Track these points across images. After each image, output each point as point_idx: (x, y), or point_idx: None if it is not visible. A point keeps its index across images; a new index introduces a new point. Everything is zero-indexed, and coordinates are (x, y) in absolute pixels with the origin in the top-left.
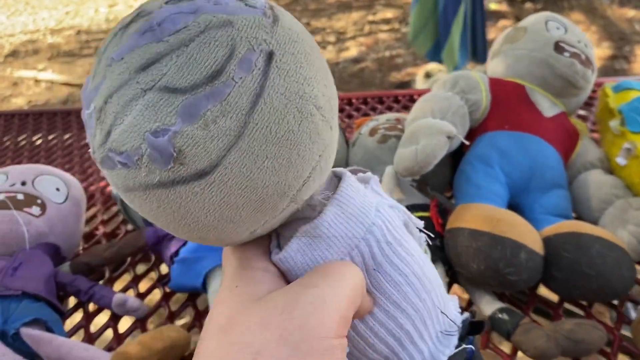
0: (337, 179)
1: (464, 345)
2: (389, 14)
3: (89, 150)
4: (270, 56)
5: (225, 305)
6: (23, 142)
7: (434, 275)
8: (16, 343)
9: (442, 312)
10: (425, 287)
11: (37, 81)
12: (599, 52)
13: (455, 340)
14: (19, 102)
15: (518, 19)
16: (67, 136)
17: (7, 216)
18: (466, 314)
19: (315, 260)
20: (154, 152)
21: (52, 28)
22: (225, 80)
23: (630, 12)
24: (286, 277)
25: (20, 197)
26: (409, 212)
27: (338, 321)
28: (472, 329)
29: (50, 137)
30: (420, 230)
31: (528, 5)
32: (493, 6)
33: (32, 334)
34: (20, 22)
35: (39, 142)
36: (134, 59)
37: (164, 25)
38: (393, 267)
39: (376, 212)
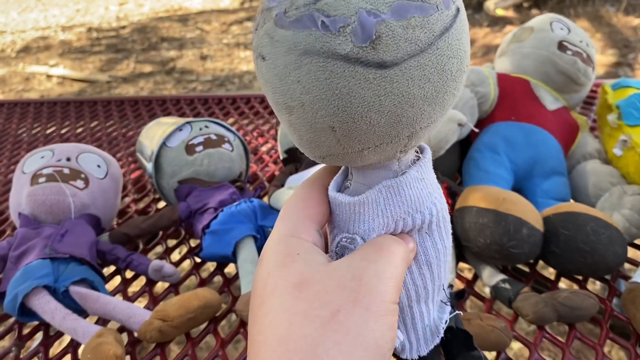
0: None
1: (456, 312)
2: None
3: (272, 10)
4: (458, 10)
5: (294, 267)
6: (52, 130)
7: (450, 256)
8: (66, 300)
9: (444, 287)
10: (447, 260)
11: (48, 76)
12: (604, 59)
13: (449, 309)
14: (31, 97)
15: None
16: (93, 124)
17: (56, 188)
18: (448, 289)
19: (384, 214)
20: (359, 26)
21: (63, 25)
22: (433, 3)
23: (635, 21)
24: (330, 218)
25: (66, 171)
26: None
27: (395, 289)
28: (457, 296)
29: (77, 126)
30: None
31: (534, 11)
32: (500, 12)
33: (80, 292)
34: (31, 19)
35: (67, 129)
36: None
37: None
38: (440, 236)
39: (439, 189)
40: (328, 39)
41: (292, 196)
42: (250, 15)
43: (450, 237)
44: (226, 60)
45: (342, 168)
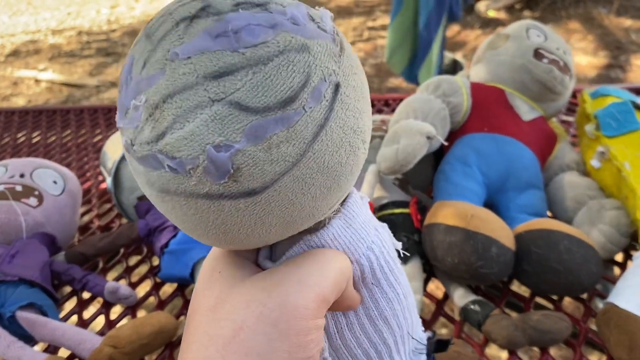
0: None
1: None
2: (389, 20)
3: (122, 133)
4: (337, 88)
5: (214, 289)
6: (22, 139)
7: (412, 297)
8: (12, 326)
9: (412, 336)
10: (409, 307)
11: (37, 81)
12: (595, 61)
13: (423, 358)
14: (19, 102)
15: None
16: (65, 134)
17: (6, 206)
18: (429, 333)
19: None
20: (211, 165)
21: (53, 28)
22: (296, 108)
23: (627, 22)
24: None
25: (18, 188)
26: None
27: (318, 302)
28: (438, 346)
29: (48, 135)
30: (399, 252)
31: (526, 13)
32: (491, 14)
33: (27, 317)
34: (21, 22)
35: (37, 139)
36: (204, 64)
37: (242, 35)
38: (389, 284)
39: (375, 231)
40: (180, 181)
41: None
42: None
43: (404, 278)
44: None
45: None
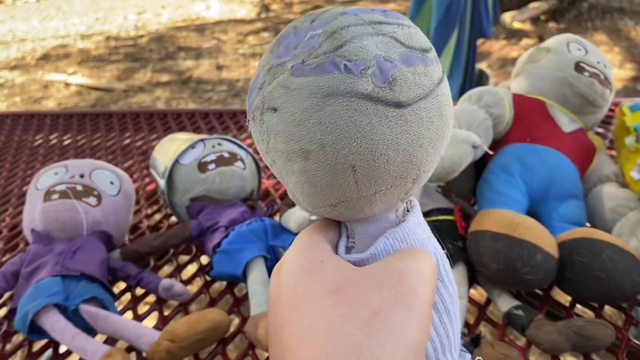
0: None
1: (478, 358)
2: None
3: (286, 64)
4: (442, 71)
5: (325, 274)
6: (68, 141)
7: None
8: (75, 318)
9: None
10: (458, 304)
11: (67, 84)
12: (622, 73)
13: (469, 356)
14: (49, 104)
15: (541, 38)
16: (109, 137)
17: (69, 204)
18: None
19: None
20: (377, 70)
21: (82, 33)
22: (430, 57)
23: None
24: None
25: (79, 188)
26: None
27: (432, 293)
28: (472, 343)
29: (94, 137)
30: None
31: (551, 24)
32: (516, 25)
33: (90, 310)
34: (51, 27)
35: (83, 141)
36: (366, 16)
37: (388, 12)
38: (449, 280)
39: (433, 235)
40: (351, 80)
41: (309, 226)
42: (267, 25)
43: (453, 279)
44: (242, 70)
45: (341, 229)
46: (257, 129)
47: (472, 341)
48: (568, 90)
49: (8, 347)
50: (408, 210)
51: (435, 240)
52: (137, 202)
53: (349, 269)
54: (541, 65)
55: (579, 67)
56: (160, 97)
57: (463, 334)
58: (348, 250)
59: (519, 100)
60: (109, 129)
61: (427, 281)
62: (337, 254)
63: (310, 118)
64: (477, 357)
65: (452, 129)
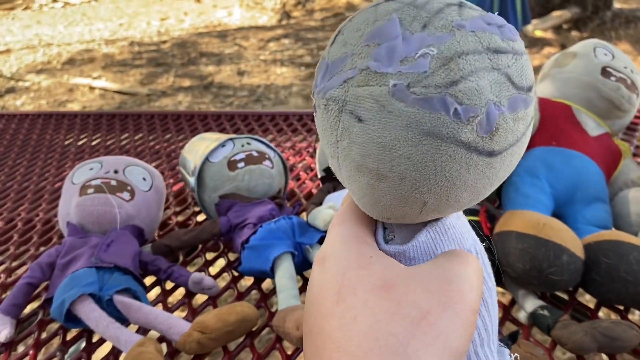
0: None
1: (515, 355)
2: None
3: (388, 77)
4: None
5: (373, 269)
6: (98, 141)
7: None
8: (109, 308)
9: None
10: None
11: (91, 88)
12: None
13: (507, 351)
14: (74, 108)
15: (563, 46)
16: (137, 137)
17: (103, 198)
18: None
19: (435, 254)
20: (485, 118)
21: (106, 39)
22: (532, 95)
23: None
24: None
25: (113, 183)
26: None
27: (479, 301)
28: (510, 338)
29: (122, 138)
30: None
31: (574, 33)
32: (538, 34)
33: (123, 301)
34: (77, 32)
35: (111, 141)
36: (486, 39)
37: (505, 30)
38: (487, 273)
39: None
40: (456, 126)
41: (345, 207)
42: (287, 32)
43: (492, 273)
44: (263, 76)
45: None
46: (327, 119)
47: (510, 337)
48: (594, 95)
49: (44, 335)
50: None
51: (474, 234)
52: (166, 200)
53: (399, 267)
54: (567, 70)
55: (605, 72)
56: (182, 101)
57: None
58: (387, 241)
59: (544, 104)
60: (137, 129)
61: (476, 288)
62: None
63: (400, 149)
64: (515, 355)
65: None
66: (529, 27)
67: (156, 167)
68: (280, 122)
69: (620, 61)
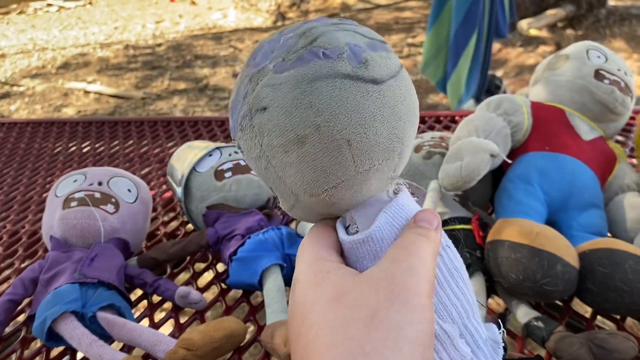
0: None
1: (502, 329)
2: None
3: (267, 67)
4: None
5: (328, 283)
6: (87, 149)
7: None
8: (92, 325)
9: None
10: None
11: (86, 92)
12: None
13: (501, 352)
14: (69, 112)
15: (558, 45)
16: (127, 144)
17: (87, 212)
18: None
19: (398, 231)
20: (351, 53)
21: (101, 42)
22: (388, 47)
23: None
24: (346, 262)
25: (97, 195)
26: None
27: (428, 284)
28: (500, 318)
29: (112, 145)
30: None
31: (569, 31)
32: (533, 32)
33: (107, 318)
34: (71, 36)
35: (101, 149)
36: (327, 21)
37: (344, 20)
38: (453, 252)
39: None
40: (331, 64)
41: (307, 236)
42: None
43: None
44: None
45: (339, 222)
46: (247, 136)
47: (499, 317)
48: (588, 98)
49: (26, 353)
50: (396, 193)
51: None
52: (154, 210)
53: (349, 276)
54: (560, 73)
55: (598, 75)
56: (177, 104)
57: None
58: (351, 234)
59: (537, 108)
60: (127, 136)
61: (421, 275)
62: (340, 240)
63: (301, 104)
64: (502, 329)
65: (417, 113)
66: (524, 26)
67: (146, 174)
68: None
69: (614, 63)
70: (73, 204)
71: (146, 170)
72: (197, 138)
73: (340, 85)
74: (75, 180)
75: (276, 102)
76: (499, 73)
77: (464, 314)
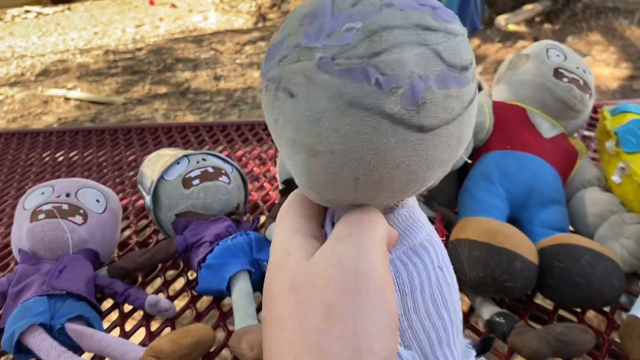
0: None
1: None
2: None
3: (315, 52)
4: (478, 83)
5: (286, 270)
6: (61, 158)
7: None
8: (61, 337)
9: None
10: (459, 301)
11: (66, 99)
12: (618, 72)
13: (473, 354)
14: (49, 120)
15: (536, 39)
16: (100, 153)
17: (54, 224)
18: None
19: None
20: (410, 91)
21: (81, 48)
22: (467, 77)
23: None
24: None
25: (65, 207)
26: None
27: (381, 257)
28: (485, 346)
29: (85, 154)
30: None
31: (546, 26)
32: (511, 27)
33: (75, 329)
34: (50, 43)
35: (75, 158)
36: (415, 17)
37: (438, 12)
38: (449, 270)
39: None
40: (379, 96)
41: (287, 202)
42: (264, 35)
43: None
44: (240, 80)
45: (327, 213)
46: (268, 100)
47: (482, 343)
48: (548, 96)
49: None
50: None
51: (431, 226)
52: (127, 218)
53: (304, 263)
54: (521, 72)
55: (558, 73)
56: (158, 109)
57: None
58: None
59: (499, 107)
60: (101, 145)
61: (370, 253)
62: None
63: (327, 121)
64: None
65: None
66: (502, 21)
67: (119, 183)
68: (245, 132)
69: (573, 62)
70: (41, 216)
71: (119, 178)
72: (170, 145)
73: (375, 124)
74: (42, 193)
75: (305, 99)
76: (478, 69)
77: (435, 342)
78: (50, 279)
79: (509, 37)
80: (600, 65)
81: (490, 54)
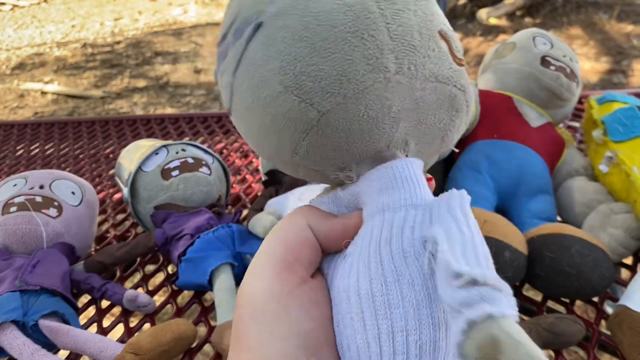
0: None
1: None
2: None
3: None
4: (257, 27)
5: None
6: (36, 151)
7: None
8: (35, 334)
9: None
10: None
11: (43, 93)
12: (598, 66)
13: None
14: (25, 114)
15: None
16: (77, 145)
17: (27, 217)
18: None
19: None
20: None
21: (58, 41)
22: (227, 43)
23: (628, 27)
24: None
25: (38, 199)
26: None
27: (277, 269)
28: None
29: (62, 147)
30: None
31: (527, 20)
32: (493, 21)
33: (50, 325)
34: (27, 35)
35: (50, 150)
36: None
37: None
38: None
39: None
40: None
41: (273, 231)
42: None
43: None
44: None
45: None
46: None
47: None
48: (535, 85)
49: None
50: None
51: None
52: (104, 211)
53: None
54: (507, 61)
55: (545, 61)
56: (137, 102)
57: None
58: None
59: (485, 96)
60: (77, 137)
61: (262, 273)
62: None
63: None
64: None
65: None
66: (483, 15)
67: (95, 176)
68: (227, 123)
69: (559, 50)
70: (13, 209)
71: (97, 171)
72: (149, 136)
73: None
74: (15, 185)
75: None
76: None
77: None
78: (23, 274)
79: (490, 31)
80: (580, 59)
81: (471, 47)
